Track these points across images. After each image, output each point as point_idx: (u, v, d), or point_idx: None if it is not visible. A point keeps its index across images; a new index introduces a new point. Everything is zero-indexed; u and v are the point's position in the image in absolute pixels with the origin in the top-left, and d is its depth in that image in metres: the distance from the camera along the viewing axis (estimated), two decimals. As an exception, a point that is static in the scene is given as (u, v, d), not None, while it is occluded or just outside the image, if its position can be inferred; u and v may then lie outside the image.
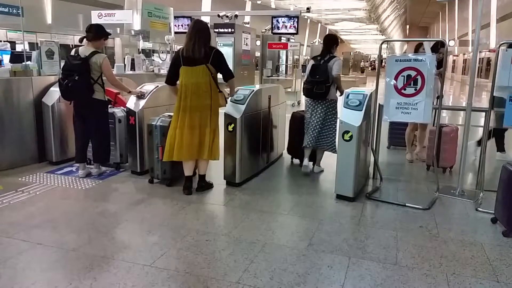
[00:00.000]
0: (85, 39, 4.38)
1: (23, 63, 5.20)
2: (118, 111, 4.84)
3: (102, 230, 3.24)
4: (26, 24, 6.76)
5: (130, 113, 4.60)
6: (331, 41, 4.77)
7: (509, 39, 4.43)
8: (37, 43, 5.49)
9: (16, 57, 6.03)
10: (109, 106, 4.77)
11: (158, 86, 4.85)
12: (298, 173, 5.10)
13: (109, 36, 4.54)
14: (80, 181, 4.46)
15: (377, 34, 54.41)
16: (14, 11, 6.04)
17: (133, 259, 2.78)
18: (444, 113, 5.49)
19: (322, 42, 4.90)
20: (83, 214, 3.59)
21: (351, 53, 43.15)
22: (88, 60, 4.26)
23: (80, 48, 4.37)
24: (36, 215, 3.52)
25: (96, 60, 4.30)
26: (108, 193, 4.15)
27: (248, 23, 16.37)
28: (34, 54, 5.36)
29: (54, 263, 2.74)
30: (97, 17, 8.89)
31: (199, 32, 3.87)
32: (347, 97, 4.02)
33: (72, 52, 4.40)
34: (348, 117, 3.87)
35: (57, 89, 5.04)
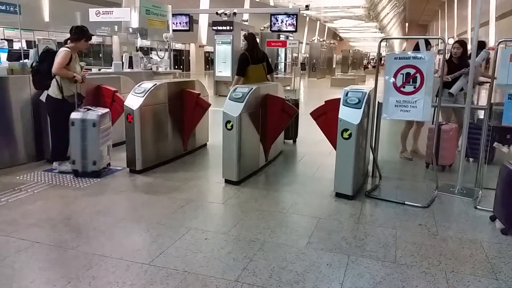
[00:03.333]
0: (69, 41, 4.53)
1: (21, 61, 5.18)
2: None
3: (100, 229, 3.23)
4: (24, 22, 6.74)
5: (128, 111, 4.58)
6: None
7: (508, 37, 4.43)
8: (34, 41, 5.47)
9: (14, 55, 6.00)
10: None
11: (156, 84, 4.83)
12: (298, 171, 5.10)
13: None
14: (78, 179, 4.45)
15: (376, 32, 54.41)
16: (12, 8, 6.02)
17: (132, 257, 2.77)
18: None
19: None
20: (81, 212, 3.58)
21: (350, 51, 43.14)
22: (52, 53, 4.47)
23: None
24: (34, 213, 3.51)
25: (57, 53, 4.44)
26: (106, 192, 4.14)
27: (246, 21, 16.34)
28: (32, 52, 5.34)
29: (52, 261, 2.73)
30: (94, 15, 8.86)
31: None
32: (346, 95, 4.00)
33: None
34: (347, 115, 3.86)
35: (55, 87, 5.06)
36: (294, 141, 6.62)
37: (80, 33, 4.51)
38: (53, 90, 4.47)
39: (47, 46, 4.69)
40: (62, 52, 4.40)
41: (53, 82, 4.45)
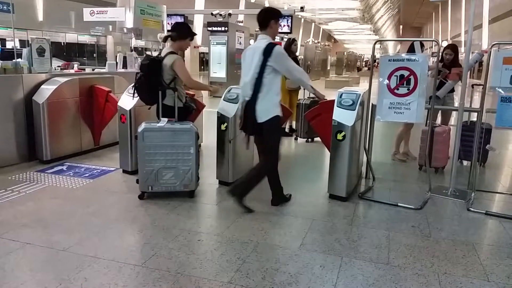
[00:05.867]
0: (169, 39, 4.04)
1: (14, 60, 5.14)
2: None
3: (92, 230, 3.21)
4: (17, 21, 6.70)
5: (122, 111, 4.56)
6: None
7: (501, 40, 4.46)
8: (28, 40, 5.43)
9: (6, 54, 5.96)
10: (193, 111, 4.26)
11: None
12: (291, 172, 5.10)
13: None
14: (71, 180, 4.42)
15: (370, 34, 54.65)
16: (5, 7, 5.98)
17: (124, 259, 2.76)
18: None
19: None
20: (74, 213, 3.55)
21: (345, 53, 43.31)
22: (159, 62, 3.90)
23: (164, 48, 4.07)
24: (26, 214, 3.48)
25: (167, 62, 3.86)
26: (99, 193, 4.11)
27: (241, 22, 16.35)
28: (25, 51, 5.30)
29: (44, 263, 2.71)
30: (89, 14, 8.83)
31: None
32: (340, 96, 4.02)
33: (156, 53, 4.12)
34: (341, 116, 3.87)
35: (48, 87, 5.03)
36: (307, 141, 6.74)
37: (186, 32, 4.03)
38: (172, 100, 3.91)
39: (148, 55, 4.06)
40: (179, 61, 3.89)
41: (169, 91, 3.90)
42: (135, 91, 3.98)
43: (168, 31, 4.00)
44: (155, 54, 9.18)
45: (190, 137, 3.82)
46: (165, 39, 4.06)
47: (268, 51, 3.41)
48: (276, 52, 3.42)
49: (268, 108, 3.50)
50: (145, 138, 3.75)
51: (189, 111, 4.14)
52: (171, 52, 3.93)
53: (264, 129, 3.55)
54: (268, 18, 3.56)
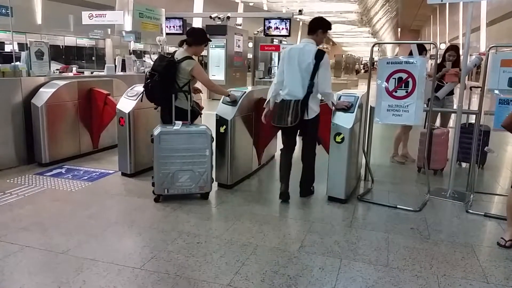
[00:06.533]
0: (184, 43, 4.03)
1: (12, 63, 5.14)
2: None
3: (91, 233, 3.20)
4: (16, 24, 6.70)
5: (120, 114, 4.57)
6: None
7: (498, 43, 4.47)
8: (26, 44, 5.43)
9: (5, 58, 5.95)
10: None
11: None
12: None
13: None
14: (70, 183, 4.42)
15: (368, 37, 54.73)
16: (3, 11, 5.97)
17: (123, 261, 2.75)
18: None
19: None
20: (72, 216, 3.55)
21: (343, 55, 43.38)
22: (175, 64, 3.88)
23: (178, 51, 4.03)
24: (25, 217, 3.47)
25: (186, 66, 3.88)
26: (97, 195, 4.11)
27: (240, 25, 16.36)
28: (24, 54, 5.30)
29: (43, 266, 2.70)
30: (87, 18, 8.85)
31: None
32: (339, 99, 4.02)
33: (166, 54, 4.11)
34: (339, 119, 3.87)
35: (47, 90, 5.03)
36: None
37: (202, 38, 4.09)
38: (184, 103, 3.94)
39: (163, 55, 4.07)
40: (198, 67, 3.97)
41: (181, 95, 3.92)
42: (146, 90, 3.94)
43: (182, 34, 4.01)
44: (154, 57, 9.19)
45: (205, 140, 3.85)
46: (180, 44, 4.06)
47: (320, 55, 3.72)
48: (326, 59, 3.75)
49: (316, 106, 3.84)
50: (161, 141, 3.76)
51: (196, 114, 4.16)
52: (189, 57, 3.95)
53: (310, 125, 3.87)
54: (318, 27, 3.90)
